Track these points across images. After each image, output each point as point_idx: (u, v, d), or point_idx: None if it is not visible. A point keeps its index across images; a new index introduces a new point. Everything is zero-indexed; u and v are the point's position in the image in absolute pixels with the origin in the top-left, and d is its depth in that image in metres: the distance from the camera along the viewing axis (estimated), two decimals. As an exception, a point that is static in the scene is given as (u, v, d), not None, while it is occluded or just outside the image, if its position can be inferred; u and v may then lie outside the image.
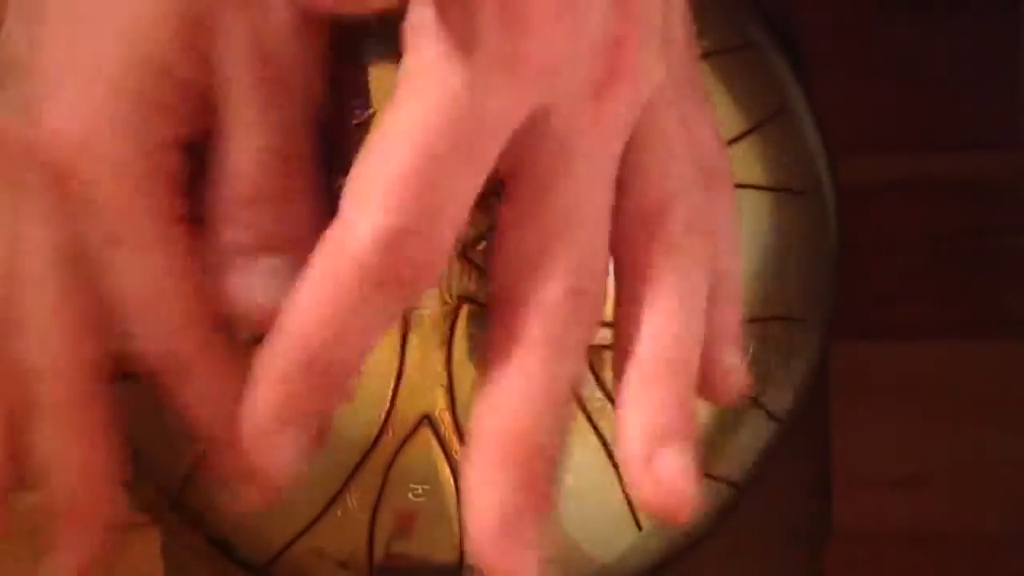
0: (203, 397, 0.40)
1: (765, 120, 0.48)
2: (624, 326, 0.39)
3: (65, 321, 0.40)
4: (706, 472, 0.47)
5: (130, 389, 0.47)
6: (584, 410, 0.46)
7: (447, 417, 0.46)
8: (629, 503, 0.47)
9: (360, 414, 0.45)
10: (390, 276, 0.36)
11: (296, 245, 0.38)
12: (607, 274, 0.39)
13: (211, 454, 0.40)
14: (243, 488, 0.39)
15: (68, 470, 0.41)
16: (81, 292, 0.39)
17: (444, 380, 0.45)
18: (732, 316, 0.41)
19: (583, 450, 0.46)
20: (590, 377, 0.46)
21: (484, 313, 0.45)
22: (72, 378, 0.40)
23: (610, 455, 0.46)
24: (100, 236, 0.38)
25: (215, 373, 0.40)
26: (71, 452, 0.41)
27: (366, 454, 0.46)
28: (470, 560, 0.46)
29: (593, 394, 0.46)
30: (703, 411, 0.47)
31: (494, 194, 0.45)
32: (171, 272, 0.39)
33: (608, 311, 0.46)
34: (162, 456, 0.48)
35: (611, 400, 0.46)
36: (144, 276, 0.39)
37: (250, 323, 0.39)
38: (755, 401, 0.47)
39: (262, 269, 0.39)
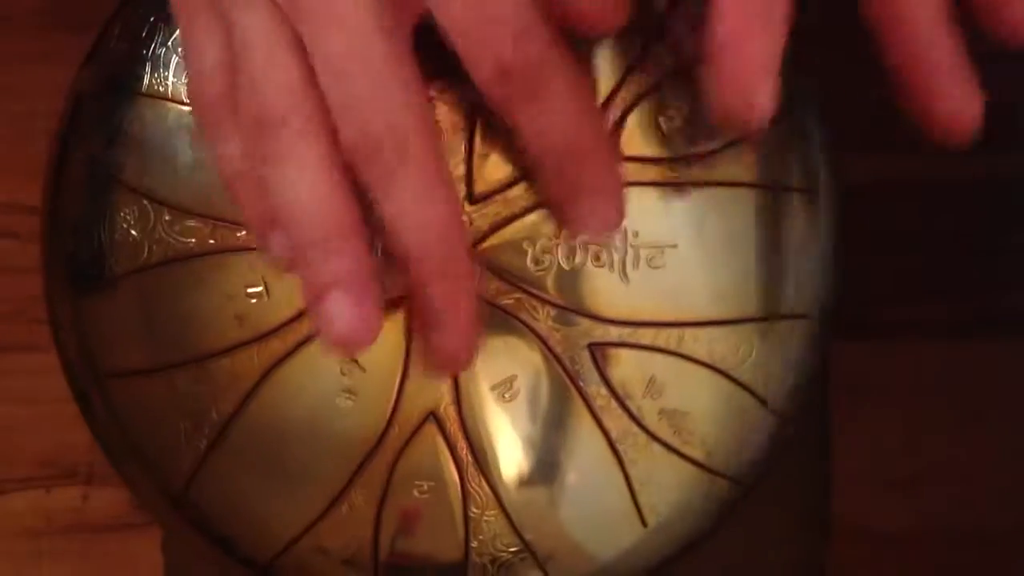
0: (562, 106, 0.40)
1: (766, 120, 0.48)
2: None
3: (400, 68, 0.39)
4: (709, 469, 0.47)
5: (131, 389, 0.47)
6: (589, 407, 0.46)
7: (452, 413, 0.46)
8: (634, 500, 0.47)
9: (365, 411, 0.45)
10: None
11: None
12: None
13: (565, 173, 0.40)
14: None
15: (432, 224, 0.40)
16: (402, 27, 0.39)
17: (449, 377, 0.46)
18: None
19: (587, 448, 0.46)
20: (595, 375, 0.46)
21: (489, 310, 0.46)
22: (424, 119, 0.39)
23: (615, 452, 0.46)
24: None
25: (570, 76, 0.40)
26: (435, 204, 0.40)
27: (371, 451, 0.46)
28: (474, 557, 0.47)
29: (598, 391, 0.46)
30: (704, 411, 0.47)
31: (496, 191, 0.45)
32: None
33: (609, 310, 0.46)
34: (164, 454, 0.47)
35: (616, 398, 0.46)
36: None
37: None
38: (759, 399, 0.47)
39: None
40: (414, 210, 0.39)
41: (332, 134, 0.39)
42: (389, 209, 0.39)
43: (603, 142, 0.41)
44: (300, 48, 0.39)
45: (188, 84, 0.43)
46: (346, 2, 0.38)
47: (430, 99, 0.40)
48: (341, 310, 0.39)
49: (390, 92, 0.38)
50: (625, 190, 0.42)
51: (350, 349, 0.40)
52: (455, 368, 0.43)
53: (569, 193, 0.41)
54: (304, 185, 0.39)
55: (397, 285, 0.43)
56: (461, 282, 0.40)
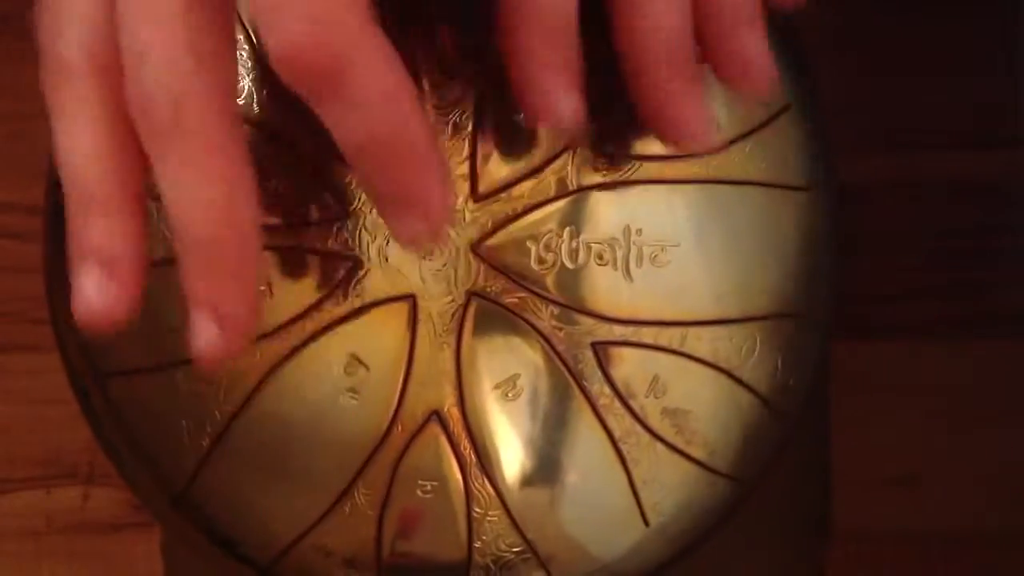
0: (368, 102, 0.35)
1: (768, 118, 0.48)
2: None
3: (192, 19, 0.35)
4: (712, 469, 0.47)
5: (132, 387, 0.47)
6: (592, 406, 0.46)
7: (456, 413, 0.46)
8: (637, 499, 0.47)
9: (368, 410, 0.45)
10: None
11: None
12: None
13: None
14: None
15: (203, 205, 0.36)
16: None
17: (453, 376, 0.45)
18: None
19: (590, 447, 0.46)
20: (598, 374, 0.46)
21: (492, 309, 0.46)
22: (210, 96, 0.36)
23: (618, 452, 0.46)
24: None
25: (381, 67, 0.36)
26: (211, 183, 0.36)
27: (374, 451, 0.46)
28: (476, 557, 0.47)
29: (601, 390, 0.46)
30: (707, 410, 0.47)
31: (499, 190, 0.45)
32: None
33: (612, 309, 0.46)
34: (165, 453, 0.47)
35: (619, 397, 0.46)
36: None
37: None
38: (761, 399, 0.47)
39: None
40: (184, 186, 0.36)
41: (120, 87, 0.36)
42: (160, 181, 0.36)
43: (421, 143, 0.37)
44: None
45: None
46: None
47: (235, 63, 0.37)
48: (88, 283, 0.37)
49: (174, 44, 0.35)
50: (453, 199, 0.40)
51: (92, 325, 0.37)
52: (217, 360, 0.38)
53: (384, 202, 0.38)
54: (76, 141, 0.37)
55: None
56: (236, 277, 0.37)
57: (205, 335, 0.38)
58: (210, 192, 0.36)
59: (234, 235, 0.37)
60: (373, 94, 0.36)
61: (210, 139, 0.36)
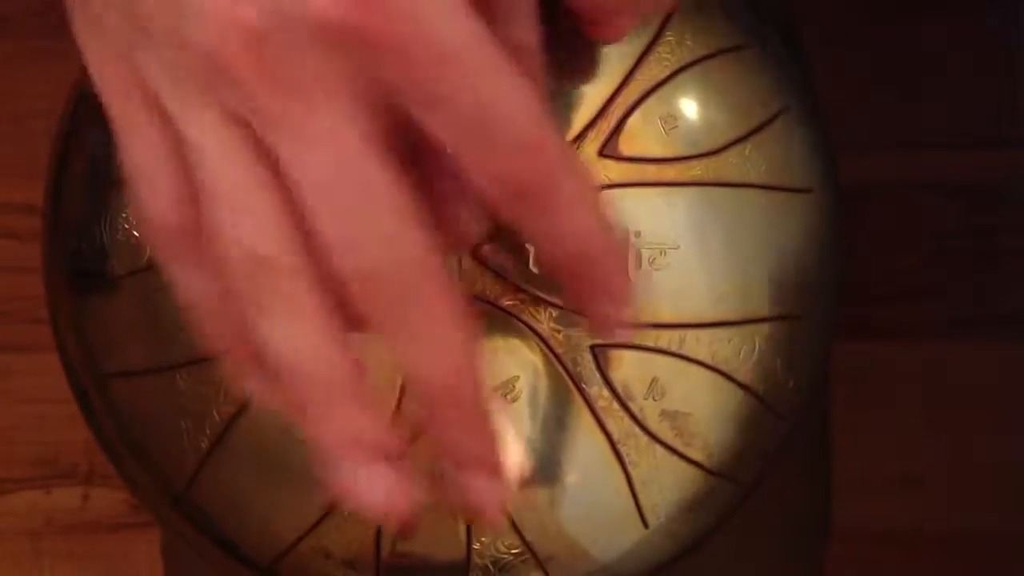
0: (577, 208, 0.36)
1: (766, 120, 0.48)
2: None
3: (397, 192, 0.34)
4: (710, 471, 0.47)
5: (132, 389, 0.47)
6: (591, 409, 0.46)
7: (454, 415, 0.46)
8: (636, 501, 0.47)
9: (367, 412, 0.45)
10: None
11: None
12: None
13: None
14: None
15: (452, 366, 0.36)
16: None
17: (451, 378, 0.45)
18: None
19: (589, 449, 0.46)
20: (597, 376, 0.46)
21: (491, 311, 0.45)
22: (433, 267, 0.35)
23: (617, 453, 0.46)
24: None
25: (580, 176, 0.36)
26: (453, 341, 0.36)
27: (373, 452, 0.46)
28: (475, 558, 0.46)
29: (600, 392, 0.46)
30: (706, 412, 0.47)
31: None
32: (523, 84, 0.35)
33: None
34: (165, 454, 0.47)
35: (618, 399, 0.46)
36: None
37: None
38: (760, 401, 0.47)
39: None
40: (429, 350, 0.35)
41: (322, 270, 0.35)
42: (402, 351, 0.35)
43: (615, 244, 0.38)
44: (272, 167, 0.34)
45: (138, 210, 0.37)
46: (330, 116, 0.34)
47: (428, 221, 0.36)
48: (370, 476, 0.36)
49: (388, 221, 0.34)
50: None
51: (389, 518, 0.36)
52: (489, 515, 0.38)
53: (589, 297, 0.38)
54: (300, 338, 0.35)
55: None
56: (486, 424, 0.37)
57: (486, 490, 0.37)
58: (456, 349, 0.36)
59: (479, 382, 0.36)
60: (578, 206, 0.36)
61: (443, 296, 0.35)
